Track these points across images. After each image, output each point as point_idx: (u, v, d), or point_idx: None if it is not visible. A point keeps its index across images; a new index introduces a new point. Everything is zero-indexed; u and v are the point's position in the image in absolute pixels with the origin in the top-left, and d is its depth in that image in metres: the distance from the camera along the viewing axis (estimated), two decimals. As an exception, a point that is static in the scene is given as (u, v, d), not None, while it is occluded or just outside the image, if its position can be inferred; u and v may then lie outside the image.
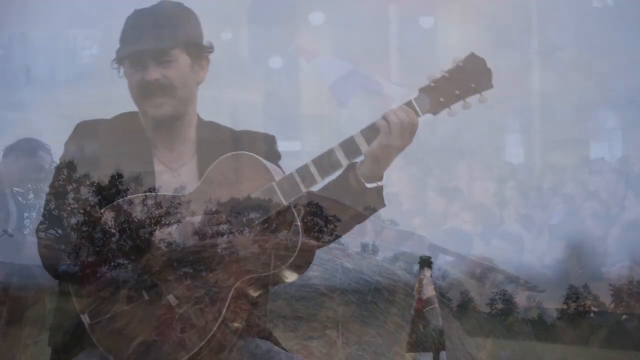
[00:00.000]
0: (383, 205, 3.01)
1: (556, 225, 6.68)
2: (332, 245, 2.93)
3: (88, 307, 2.80)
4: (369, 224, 4.72)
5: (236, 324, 2.80)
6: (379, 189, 2.99)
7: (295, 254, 2.80)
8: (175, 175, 2.98)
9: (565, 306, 4.65)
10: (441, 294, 2.91)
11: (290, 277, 2.83)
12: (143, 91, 2.97)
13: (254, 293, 2.83)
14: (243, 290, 2.80)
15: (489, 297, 4.44)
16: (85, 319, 2.80)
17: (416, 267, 2.86)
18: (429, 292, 2.75)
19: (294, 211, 2.85)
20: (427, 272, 2.76)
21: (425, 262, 2.77)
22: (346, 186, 2.97)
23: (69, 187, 2.94)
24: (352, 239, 4.09)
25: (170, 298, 2.79)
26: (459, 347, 3.69)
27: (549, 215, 6.84)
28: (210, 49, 3.03)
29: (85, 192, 2.91)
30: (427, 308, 2.74)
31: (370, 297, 3.59)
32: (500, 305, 4.42)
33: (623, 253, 5.86)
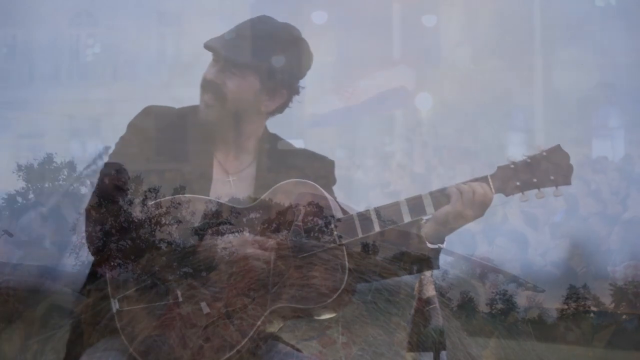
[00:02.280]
0: (438, 267, 3.01)
1: (558, 223, 6.68)
2: (332, 245, 2.92)
3: (119, 294, 2.80)
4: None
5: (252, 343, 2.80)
6: (438, 251, 2.98)
7: (338, 294, 2.80)
8: (232, 179, 2.97)
9: (565, 306, 4.65)
10: (441, 294, 2.90)
11: (324, 316, 2.83)
12: (203, 84, 2.99)
13: (282, 321, 2.84)
14: (273, 316, 2.80)
15: (489, 297, 4.44)
16: (115, 304, 2.79)
17: (416, 267, 2.86)
18: (429, 292, 2.75)
19: (345, 253, 2.84)
20: (427, 272, 2.76)
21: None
22: (407, 240, 2.96)
23: (122, 174, 2.92)
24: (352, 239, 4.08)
25: (203, 305, 2.79)
26: (459, 347, 3.68)
27: (551, 213, 6.84)
28: (295, 91, 3.01)
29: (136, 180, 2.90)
30: (428, 308, 2.74)
31: (370, 297, 3.59)
32: (500, 305, 4.42)
33: (626, 252, 5.86)
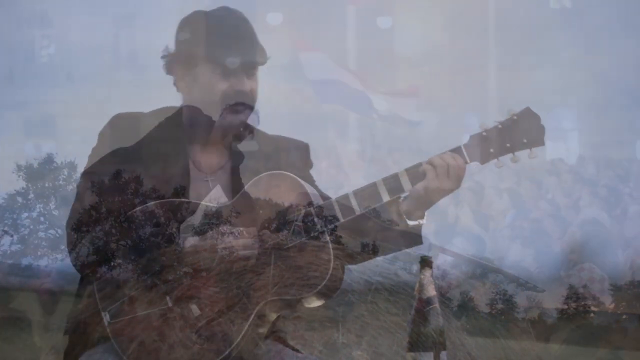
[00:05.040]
0: (421, 243, 3.02)
1: (511, 225, 6.69)
2: (332, 245, 2.92)
3: (110, 306, 2.80)
4: (369, 223, 4.71)
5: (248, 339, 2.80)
6: (419, 227, 2.98)
7: (325, 281, 2.80)
8: (210, 178, 2.97)
9: (565, 306, 4.66)
10: (441, 294, 2.90)
11: (315, 303, 2.84)
12: (230, 98, 2.97)
13: (274, 314, 2.84)
14: (264, 311, 2.80)
15: (489, 297, 4.44)
16: (106, 317, 2.79)
17: (416, 267, 2.85)
18: (430, 292, 2.75)
19: (328, 239, 2.85)
20: (427, 272, 2.76)
21: (426, 262, 2.77)
22: (387, 220, 2.96)
23: (102, 182, 2.91)
24: (352, 239, 4.08)
25: (193, 308, 2.79)
26: (459, 347, 3.68)
27: (504, 215, 6.85)
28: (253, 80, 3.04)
29: (114, 185, 2.90)
30: (428, 308, 2.74)
31: (370, 297, 3.59)
32: (500, 305, 4.42)
33: (579, 254, 5.88)
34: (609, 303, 4.90)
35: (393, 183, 2.93)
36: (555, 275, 5.26)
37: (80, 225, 2.85)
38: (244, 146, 2.99)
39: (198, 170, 2.97)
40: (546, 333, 4.59)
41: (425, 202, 2.96)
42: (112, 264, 2.81)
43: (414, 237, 3.01)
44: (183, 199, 2.86)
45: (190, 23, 3.02)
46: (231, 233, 2.82)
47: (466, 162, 2.96)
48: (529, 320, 4.48)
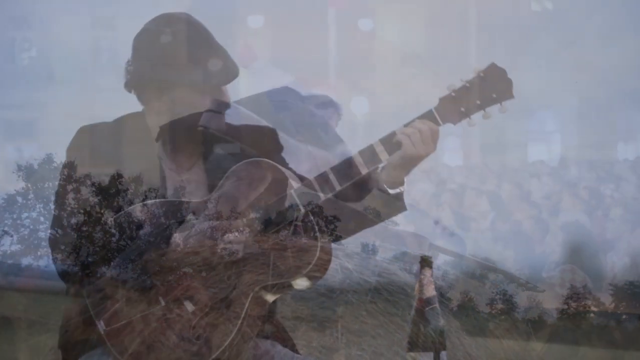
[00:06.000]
0: (405, 209, 3.04)
1: (492, 227, 6.70)
2: (332, 245, 2.92)
3: (103, 314, 2.80)
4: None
5: (248, 330, 2.80)
6: (401, 195, 3.00)
7: (312, 264, 2.80)
8: (185, 177, 2.98)
9: (565, 306, 4.65)
10: (441, 294, 2.90)
11: (305, 284, 2.84)
12: (219, 108, 3.01)
13: (269, 299, 2.83)
14: (258, 298, 2.80)
15: (489, 297, 4.43)
16: (101, 325, 2.80)
17: (416, 267, 2.86)
18: (429, 292, 2.75)
19: (313, 219, 2.85)
20: (427, 272, 2.76)
21: (426, 262, 2.77)
22: (368, 192, 2.98)
23: (76, 193, 2.93)
24: (352, 239, 4.09)
25: (187, 304, 2.79)
26: (459, 347, 3.68)
27: (485, 217, 6.86)
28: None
29: (91, 195, 2.91)
30: (427, 308, 2.74)
31: (370, 297, 3.59)
32: (500, 305, 4.41)
33: (560, 255, 5.89)
34: (609, 303, 4.90)
35: (369, 155, 2.95)
36: (537, 277, 5.26)
37: (58, 247, 2.88)
38: (214, 140, 3.00)
39: (171, 170, 2.98)
40: (546, 333, 4.58)
41: (403, 169, 2.99)
42: (99, 270, 2.83)
43: (398, 205, 3.02)
44: (163, 199, 2.87)
45: (150, 47, 3.02)
46: (215, 227, 2.83)
47: (439, 125, 2.99)
48: (529, 320, 4.47)
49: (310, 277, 2.82)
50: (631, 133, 7.86)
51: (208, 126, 2.94)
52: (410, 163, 2.97)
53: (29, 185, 4.68)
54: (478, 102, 3.00)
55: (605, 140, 7.70)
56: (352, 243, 4.10)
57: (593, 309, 4.71)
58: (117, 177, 2.91)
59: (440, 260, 4.79)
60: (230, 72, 3.01)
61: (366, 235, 4.65)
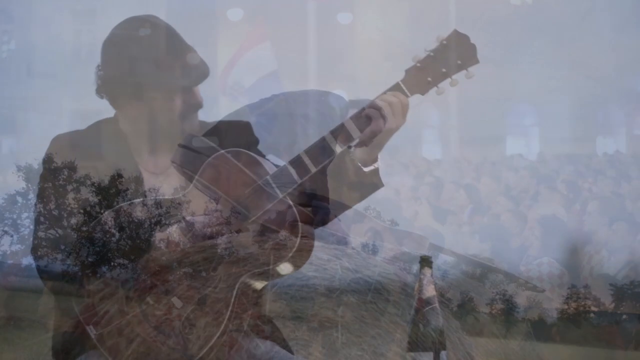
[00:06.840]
0: (382, 185, 3.06)
1: (470, 221, 6.70)
2: (332, 245, 2.93)
3: (93, 318, 2.80)
4: (368, 223, 4.72)
5: (239, 324, 2.80)
6: (376, 171, 3.02)
7: (294, 250, 2.81)
8: (162, 178, 2.98)
9: (565, 306, 4.65)
10: (441, 294, 2.90)
11: (287, 270, 2.84)
12: (191, 109, 3.02)
13: (256, 289, 2.83)
14: (245, 289, 2.80)
15: (489, 297, 4.43)
16: (92, 330, 2.80)
17: (416, 267, 2.86)
18: (429, 292, 2.75)
19: (292, 205, 2.86)
20: (427, 272, 2.76)
21: (426, 262, 2.77)
22: (344, 172, 2.99)
23: (56, 199, 2.94)
24: (352, 239, 4.09)
25: (175, 300, 2.79)
26: (459, 347, 3.68)
27: (463, 210, 6.86)
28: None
29: (73, 202, 2.92)
30: (427, 308, 2.74)
31: (370, 297, 3.59)
32: (500, 305, 4.41)
33: (538, 249, 5.89)
34: (608, 303, 4.90)
35: (341, 133, 2.95)
36: (515, 270, 5.26)
37: (39, 252, 2.89)
38: (188, 140, 3.00)
39: (149, 173, 2.99)
40: (546, 333, 4.58)
41: (375, 145, 3.00)
42: (84, 281, 2.84)
43: (374, 182, 3.03)
44: (141, 199, 2.87)
45: (122, 51, 3.02)
46: (194, 221, 2.83)
47: (407, 97, 3.00)
48: (528, 320, 4.47)
49: (293, 263, 2.82)
50: (610, 127, 7.88)
51: (179, 164, 2.94)
52: (381, 138, 2.98)
53: (29, 185, 4.68)
54: (444, 70, 3.01)
55: (584, 135, 7.72)
56: (351, 243, 4.10)
57: (593, 309, 4.71)
58: (94, 184, 2.91)
59: (440, 260, 4.79)
60: (201, 73, 3.02)
61: (366, 235, 4.65)
